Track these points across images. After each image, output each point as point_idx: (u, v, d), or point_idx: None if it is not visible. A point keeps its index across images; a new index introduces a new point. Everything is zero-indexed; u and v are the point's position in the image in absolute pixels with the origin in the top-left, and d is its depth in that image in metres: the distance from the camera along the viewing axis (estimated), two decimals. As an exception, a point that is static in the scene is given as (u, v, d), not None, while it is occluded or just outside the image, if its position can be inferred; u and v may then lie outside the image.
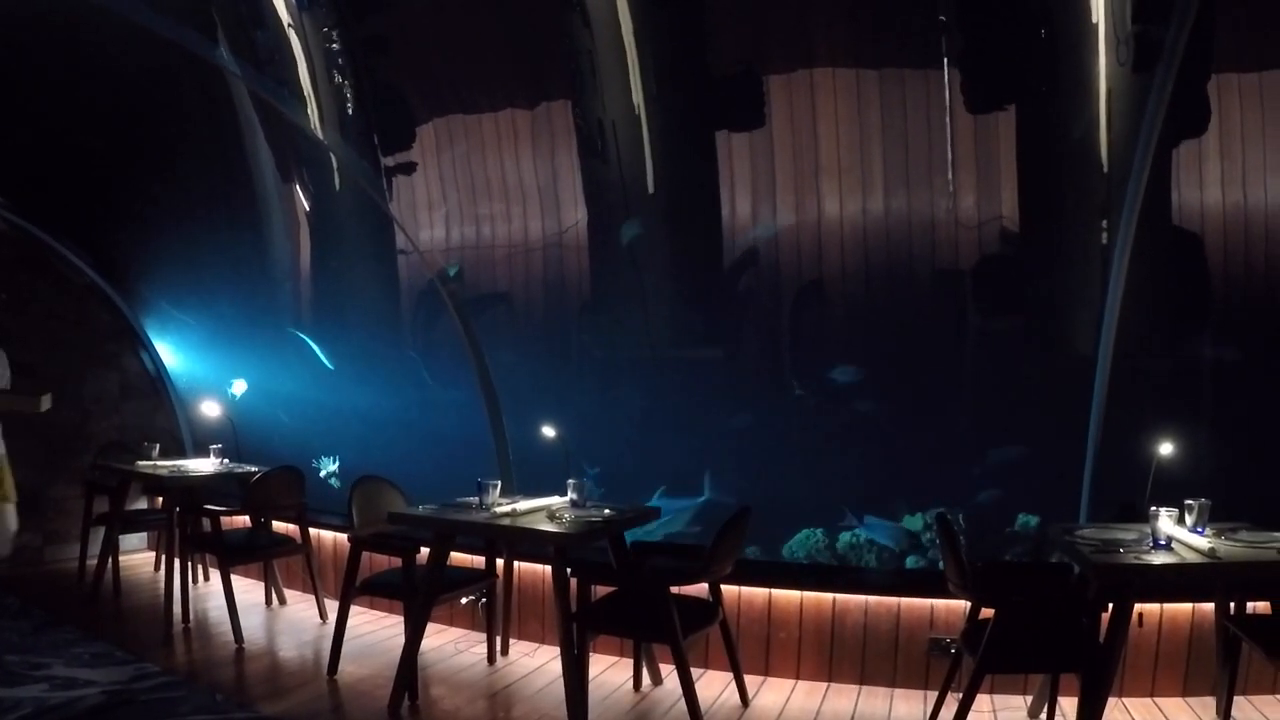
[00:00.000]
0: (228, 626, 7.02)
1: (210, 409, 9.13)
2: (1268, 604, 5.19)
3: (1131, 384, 6.52)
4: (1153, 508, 4.78)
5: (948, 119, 6.86)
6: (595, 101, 7.79)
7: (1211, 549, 4.49)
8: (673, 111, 7.72)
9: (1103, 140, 6.49)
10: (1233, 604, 5.28)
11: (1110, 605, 4.61)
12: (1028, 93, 6.75)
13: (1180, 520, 4.93)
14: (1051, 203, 6.88)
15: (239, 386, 10.11)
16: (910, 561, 7.53)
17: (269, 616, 7.84)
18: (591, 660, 5.79)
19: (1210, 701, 5.59)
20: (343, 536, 7.73)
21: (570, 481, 6.15)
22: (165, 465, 8.14)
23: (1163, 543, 4.63)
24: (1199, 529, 4.87)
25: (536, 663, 6.70)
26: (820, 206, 7.35)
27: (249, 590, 8.29)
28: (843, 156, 7.20)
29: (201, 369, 10.32)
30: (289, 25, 8.45)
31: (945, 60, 6.77)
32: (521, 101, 8.18)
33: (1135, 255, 6.23)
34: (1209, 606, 5.57)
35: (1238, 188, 6.40)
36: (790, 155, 7.35)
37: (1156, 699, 5.77)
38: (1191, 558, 4.47)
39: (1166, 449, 5.51)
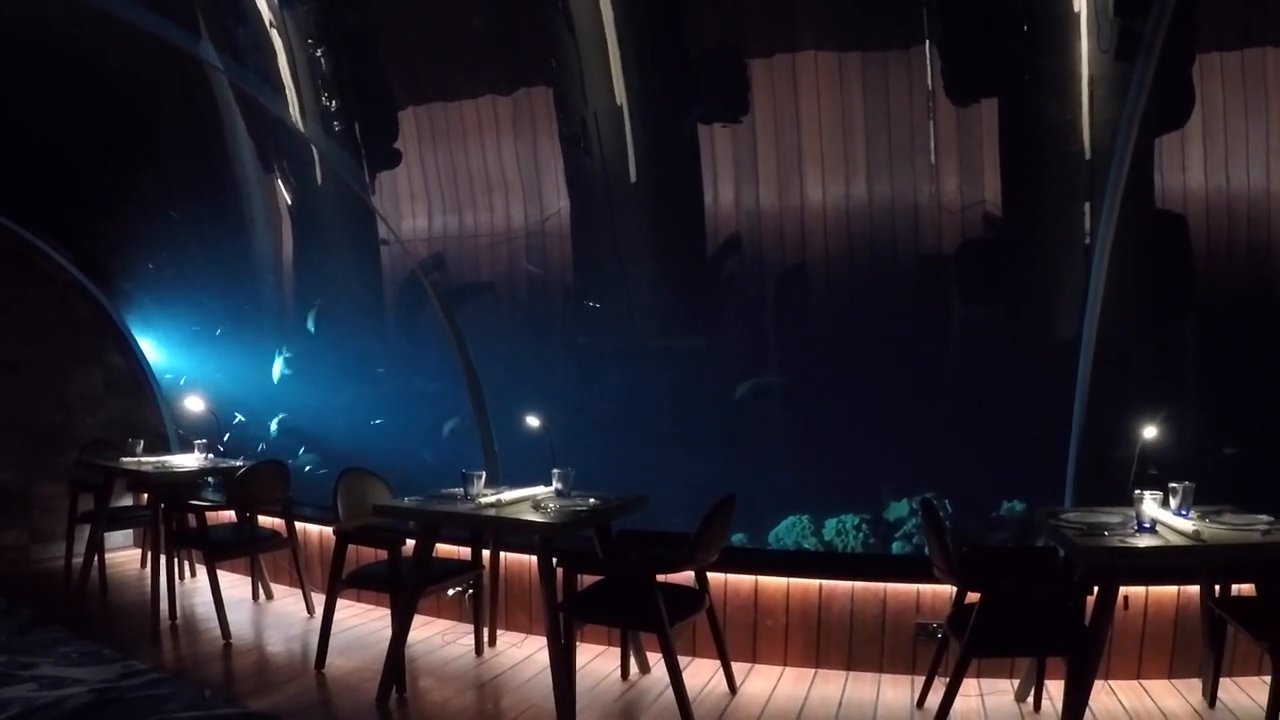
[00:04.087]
0: (215, 622, 7.01)
1: (194, 404, 9.10)
2: (1252, 585, 5.21)
3: (1115, 368, 6.53)
4: (1137, 491, 4.79)
5: (930, 101, 6.86)
6: (576, 89, 7.77)
7: (1196, 531, 4.50)
8: (654, 98, 7.70)
9: (1085, 125, 6.49)
10: (1217, 586, 5.30)
11: (1095, 588, 4.62)
12: (1010, 77, 6.75)
13: (1164, 503, 4.94)
14: (1034, 187, 6.87)
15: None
16: (896, 547, 7.55)
17: (256, 611, 7.83)
18: (579, 649, 5.80)
19: (1196, 683, 5.60)
20: (328, 530, 7.70)
21: (555, 471, 6.13)
22: (150, 461, 8.11)
23: (1147, 526, 4.64)
24: (1183, 512, 4.88)
25: (524, 653, 6.70)
26: (803, 191, 7.35)
27: (235, 585, 8.28)
28: (825, 140, 7.19)
29: (185, 364, 10.30)
30: (270, 24, 8.41)
31: (927, 41, 6.76)
32: (502, 88, 8.16)
33: (1118, 239, 6.23)
34: (1194, 589, 5.59)
35: (1220, 171, 6.41)
36: (773, 140, 7.34)
37: (1143, 681, 5.79)
38: (1176, 540, 4.48)
39: (1151, 432, 5.51)
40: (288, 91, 8.65)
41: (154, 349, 10.23)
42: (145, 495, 9.25)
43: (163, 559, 7.39)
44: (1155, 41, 5.86)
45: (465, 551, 6.81)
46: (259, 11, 8.40)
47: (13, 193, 9.11)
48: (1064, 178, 6.74)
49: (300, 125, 8.84)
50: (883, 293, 7.41)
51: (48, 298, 9.63)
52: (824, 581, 6.31)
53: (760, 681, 6.11)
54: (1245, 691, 5.53)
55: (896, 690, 5.88)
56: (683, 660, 5.59)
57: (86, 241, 9.71)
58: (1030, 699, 5.48)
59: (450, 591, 7.13)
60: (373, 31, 8.36)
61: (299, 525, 8.01)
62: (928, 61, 6.80)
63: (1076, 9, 6.34)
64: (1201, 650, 5.49)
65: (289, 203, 9.72)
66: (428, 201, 8.74)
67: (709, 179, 7.57)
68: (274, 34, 8.49)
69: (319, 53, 8.46)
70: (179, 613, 7.50)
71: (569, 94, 7.84)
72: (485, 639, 6.83)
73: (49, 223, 9.43)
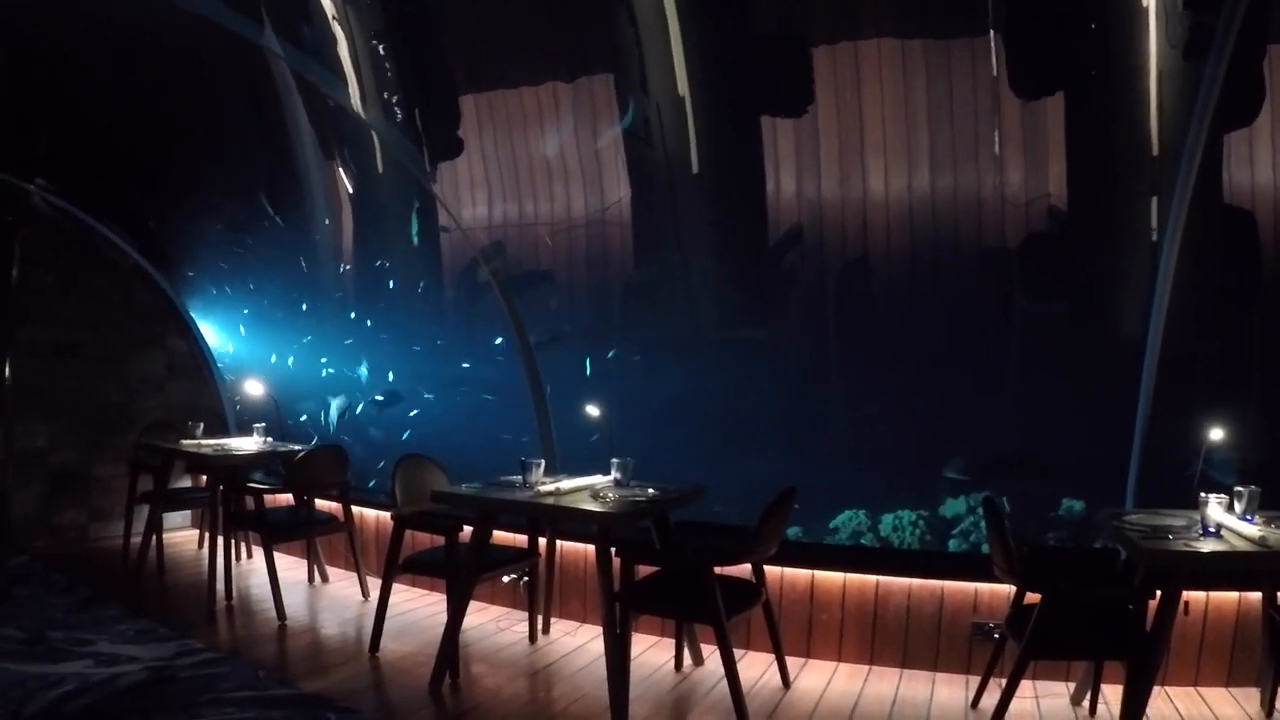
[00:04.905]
0: (270, 604, 7.07)
1: (254, 388, 9.17)
2: (1317, 593, 5.12)
3: (1181, 367, 6.44)
4: (1202, 494, 4.72)
5: (994, 91, 6.78)
6: (638, 78, 7.75)
7: (1262, 537, 4.42)
8: (716, 87, 7.66)
9: (1153, 121, 6.39)
10: (1280, 594, 5.22)
11: (1158, 592, 4.56)
12: (1077, 71, 6.66)
13: (1230, 508, 4.87)
14: (1100, 182, 6.78)
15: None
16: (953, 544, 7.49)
17: (311, 594, 7.88)
18: (633, 640, 5.78)
19: (1254, 692, 5.51)
20: (385, 515, 7.76)
21: (614, 460, 6.12)
22: (209, 444, 8.18)
23: (1212, 530, 4.57)
24: (1248, 516, 4.80)
25: (577, 642, 6.71)
26: (865, 182, 7.29)
27: (291, 568, 8.36)
28: (888, 131, 7.13)
29: (245, 348, 10.38)
30: (333, 18, 8.44)
31: (992, 31, 6.68)
32: (563, 75, 8.15)
33: (1186, 235, 6.14)
34: (1256, 596, 5.48)
35: (1290, 168, 6.30)
36: (835, 129, 7.29)
37: (1199, 688, 5.70)
38: (1241, 545, 4.40)
39: (1216, 434, 5.42)
40: (349, 78, 8.68)
41: (214, 333, 10.31)
42: (204, 477, 9.34)
43: (220, 540, 7.45)
44: (1228, 37, 5.76)
45: (522, 539, 6.84)
46: (321, 2, 8.43)
47: (76, 179, 9.21)
48: (1131, 173, 6.65)
49: (361, 112, 8.87)
50: (945, 286, 7.34)
51: (110, 282, 9.75)
52: (880, 578, 6.27)
53: (814, 677, 6.08)
54: (1306, 701, 5.45)
55: (951, 690, 5.83)
56: (736, 653, 5.56)
57: (148, 227, 9.82)
58: (1086, 703, 5.42)
59: (506, 579, 7.15)
60: (434, 17, 8.37)
61: (356, 509, 8.07)
62: (992, 50, 6.73)
63: (1145, 3, 6.25)
64: (1261, 659, 5.39)
65: (350, 190, 9.76)
66: (488, 189, 8.74)
67: (770, 169, 7.53)
68: (334, 24, 8.52)
69: (380, 43, 8.48)
70: (235, 593, 7.55)
71: (631, 82, 7.82)
72: (539, 627, 6.85)
73: (111, 208, 9.53)
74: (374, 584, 7.34)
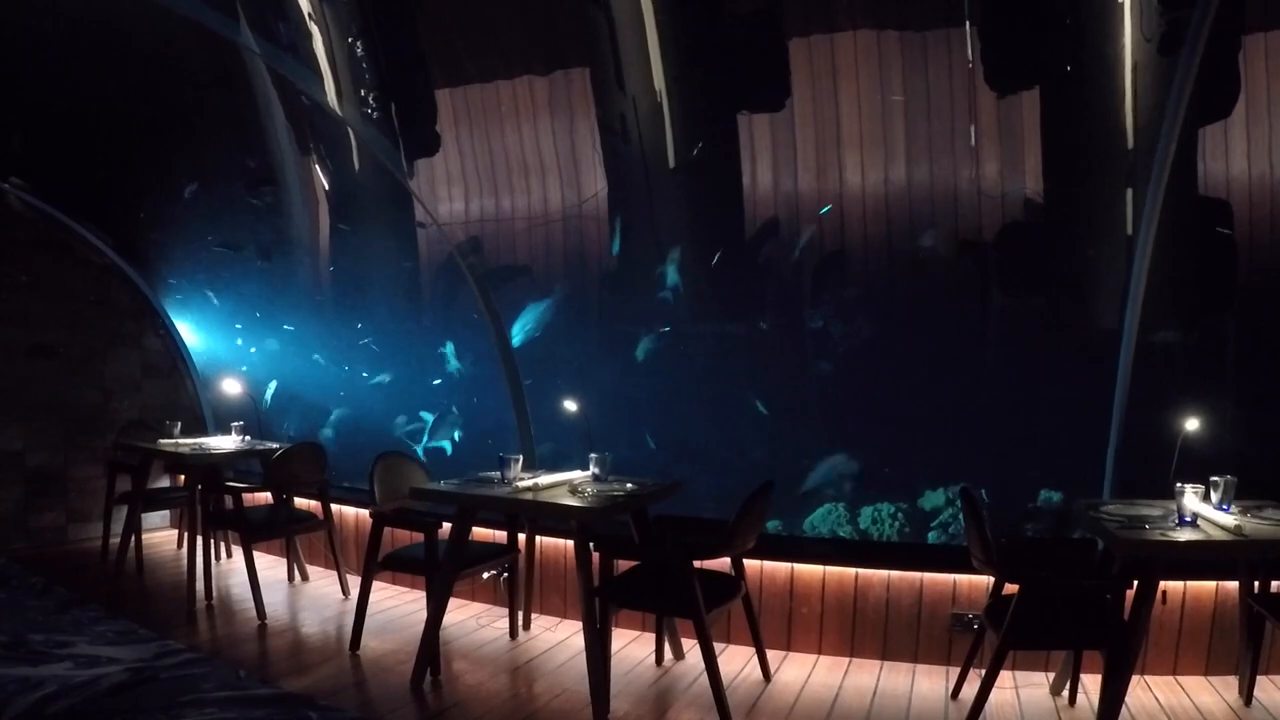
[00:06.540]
0: (250, 603, 7.04)
1: (231, 386, 9.13)
2: (1292, 582, 5.15)
3: (1157, 358, 6.47)
4: (1178, 484, 4.74)
5: (970, 83, 6.80)
6: (614, 72, 7.74)
7: (1238, 526, 4.44)
8: (693, 81, 7.66)
9: (1128, 115, 6.41)
10: (1257, 582, 5.24)
11: (1135, 582, 4.58)
12: (1052, 64, 6.68)
13: (1206, 497, 4.89)
14: (1076, 174, 6.81)
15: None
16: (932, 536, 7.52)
17: (291, 593, 7.85)
18: (613, 635, 5.78)
19: (1233, 680, 5.54)
20: (365, 512, 7.73)
21: (592, 456, 6.11)
22: (187, 443, 8.15)
23: (1188, 519, 4.59)
24: (1224, 506, 4.82)
25: (558, 637, 6.70)
26: (842, 176, 7.31)
27: (271, 567, 8.33)
28: (864, 124, 7.15)
29: (222, 347, 10.34)
30: (309, 15, 8.41)
31: (968, 22, 6.70)
32: (538, 69, 8.13)
33: (1161, 227, 6.16)
34: (1232, 585, 5.51)
35: (1264, 159, 6.33)
36: (811, 122, 7.29)
37: (1179, 677, 5.73)
38: (1217, 535, 4.42)
39: (1192, 425, 5.44)
40: (325, 75, 8.65)
41: (191, 331, 10.27)
42: (182, 476, 9.30)
43: (199, 540, 7.43)
44: (1202, 30, 5.78)
45: (501, 535, 6.82)
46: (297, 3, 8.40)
47: (50, 177, 9.14)
48: (1106, 165, 6.67)
49: (337, 109, 8.84)
50: (921, 278, 7.36)
51: (85, 281, 9.68)
52: (860, 570, 6.28)
53: (795, 669, 6.09)
54: (1283, 689, 5.48)
55: (931, 681, 5.85)
56: (717, 647, 5.56)
57: (124, 226, 9.75)
58: (1065, 692, 5.44)
59: (485, 575, 7.14)
60: (410, 13, 8.34)
61: (335, 507, 8.05)
62: (968, 42, 6.74)
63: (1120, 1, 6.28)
64: (1239, 647, 5.43)
65: (326, 187, 9.73)
66: (464, 184, 8.73)
67: (747, 162, 7.54)
68: (310, 21, 8.49)
69: (356, 40, 8.46)
70: (215, 593, 7.53)
71: (606, 76, 7.82)
72: (520, 622, 6.84)
73: (87, 207, 9.47)
74: (354, 582, 7.34)
